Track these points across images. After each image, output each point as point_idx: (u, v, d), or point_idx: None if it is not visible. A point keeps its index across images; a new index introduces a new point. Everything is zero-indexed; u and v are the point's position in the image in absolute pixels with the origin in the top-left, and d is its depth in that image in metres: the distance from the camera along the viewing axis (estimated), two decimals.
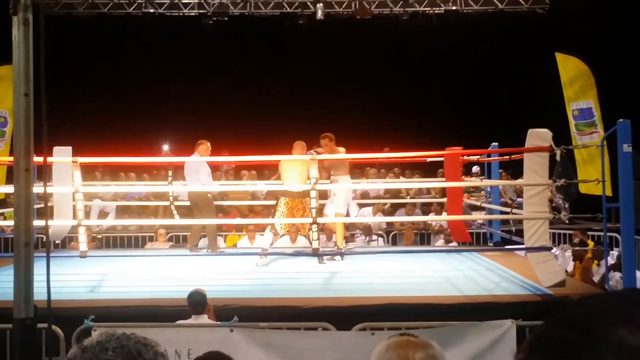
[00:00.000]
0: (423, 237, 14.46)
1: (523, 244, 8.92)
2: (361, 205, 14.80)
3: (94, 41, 18.11)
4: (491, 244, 12.51)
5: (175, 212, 11.90)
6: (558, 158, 8.41)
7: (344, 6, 17.76)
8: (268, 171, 16.04)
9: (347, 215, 10.80)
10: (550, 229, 8.92)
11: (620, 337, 0.89)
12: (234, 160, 13.61)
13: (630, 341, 0.88)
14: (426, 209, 14.99)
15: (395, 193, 15.59)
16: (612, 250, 10.67)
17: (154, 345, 1.58)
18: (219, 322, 6.62)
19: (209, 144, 11.24)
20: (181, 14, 17.89)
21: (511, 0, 17.37)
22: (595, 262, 10.23)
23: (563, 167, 8.66)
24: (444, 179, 12.77)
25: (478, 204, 13.49)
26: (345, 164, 10.49)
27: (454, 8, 17.47)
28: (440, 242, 13.68)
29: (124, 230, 14.23)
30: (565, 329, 0.94)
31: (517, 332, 6.23)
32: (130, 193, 15.19)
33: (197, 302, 6.61)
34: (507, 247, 11.14)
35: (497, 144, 11.99)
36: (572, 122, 13.12)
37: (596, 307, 0.95)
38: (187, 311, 6.64)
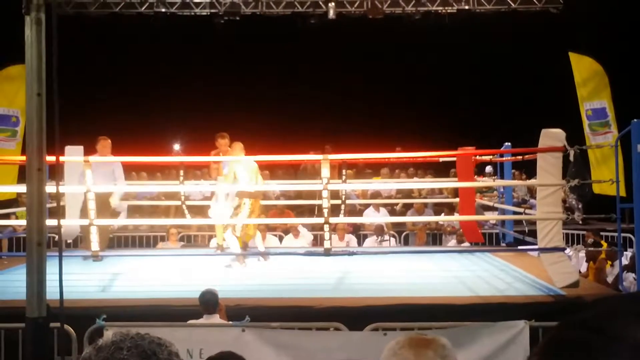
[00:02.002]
0: (435, 237, 14.42)
1: (536, 244, 8.88)
2: (368, 206, 14.78)
3: (105, 41, 18.17)
4: (504, 245, 12.47)
5: (186, 211, 11.90)
6: (572, 158, 8.38)
7: (356, 5, 17.71)
8: (282, 171, 16.07)
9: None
10: (563, 229, 8.89)
11: (634, 334, 0.88)
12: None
13: None
14: (438, 209, 14.94)
15: (408, 193, 15.56)
16: (626, 250, 10.61)
17: (168, 345, 1.58)
18: (230, 322, 6.61)
19: (108, 141, 10.69)
20: (193, 13, 17.88)
21: None
22: (609, 262, 10.18)
23: (576, 167, 8.63)
24: (456, 179, 12.73)
25: (491, 204, 13.44)
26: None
27: (466, 7, 17.39)
28: (452, 243, 13.63)
29: (136, 230, 14.24)
30: (579, 330, 0.93)
31: (531, 333, 6.20)
32: (141, 193, 15.20)
33: (208, 302, 6.61)
34: (520, 247, 11.09)
35: (509, 144, 11.94)
36: (585, 122, 13.07)
37: (610, 308, 0.95)
38: (199, 311, 6.64)
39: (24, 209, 9.07)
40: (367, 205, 14.97)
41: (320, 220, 9.23)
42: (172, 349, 1.59)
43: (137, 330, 1.61)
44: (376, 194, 15.56)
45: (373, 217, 13.99)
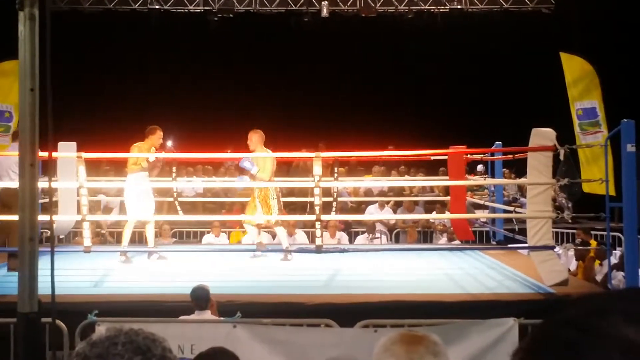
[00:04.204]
0: (426, 235, 14.47)
1: (526, 242, 8.93)
2: (367, 203, 14.81)
3: (99, 37, 18.14)
4: (494, 243, 12.51)
5: (179, 208, 11.92)
6: (562, 157, 8.42)
7: (349, 4, 17.76)
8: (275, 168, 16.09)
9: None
10: (553, 228, 8.93)
11: (622, 333, 0.87)
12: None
13: (632, 337, 0.87)
14: (429, 207, 14.99)
15: (399, 191, 15.61)
16: (615, 249, 10.67)
17: (162, 340, 1.59)
18: (222, 318, 6.64)
19: None
20: (186, 10, 17.90)
21: None
22: (598, 261, 10.24)
23: (566, 167, 8.66)
24: (446, 177, 12.77)
25: (481, 202, 13.49)
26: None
27: (459, 7, 17.44)
28: (443, 240, 13.68)
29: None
30: (564, 328, 0.93)
31: (520, 331, 6.24)
32: None
33: (200, 298, 6.63)
34: (510, 245, 11.15)
35: (500, 142, 11.99)
36: (576, 122, 13.10)
37: (596, 306, 0.94)
38: (190, 307, 6.66)
39: None
40: (359, 203, 15.01)
41: (312, 217, 9.26)
42: (166, 344, 1.60)
43: (129, 325, 1.62)
44: (380, 193, 15.58)
45: (376, 214, 14.04)
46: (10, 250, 9.38)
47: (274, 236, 13.26)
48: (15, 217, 8.96)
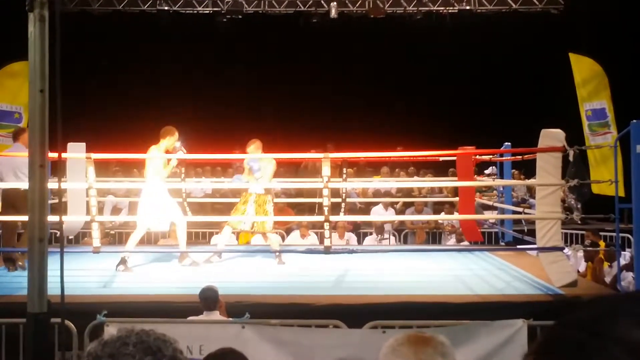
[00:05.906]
0: (435, 236, 14.45)
1: (535, 243, 8.90)
2: (374, 204, 14.80)
3: (108, 38, 18.17)
4: (503, 244, 12.49)
5: (187, 208, 11.93)
6: (571, 158, 8.39)
7: (357, 5, 17.77)
8: (283, 169, 16.10)
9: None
10: (562, 229, 8.91)
11: (631, 335, 0.87)
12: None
13: None
14: (438, 208, 14.97)
15: (407, 192, 15.59)
16: (625, 250, 10.64)
17: (172, 341, 1.60)
18: (230, 319, 6.65)
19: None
20: (195, 11, 17.93)
21: (525, 0, 17.33)
22: (606, 263, 10.21)
23: (576, 168, 8.64)
24: (455, 178, 12.75)
25: (490, 203, 13.46)
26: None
27: (467, 8, 17.43)
28: (451, 242, 13.66)
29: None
30: (575, 330, 0.93)
31: (529, 332, 6.22)
32: None
33: (208, 299, 6.65)
34: (519, 246, 11.11)
35: (509, 143, 11.97)
36: (585, 123, 13.10)
37: (606, 308, 0.94)
38: (199, 307, 6.68)
39: None
40: (368, 204, 14.99)
41: (321, 218, 9.25)
42: (177, 345, 1.61)
43: (140, 326, 1.63)
44: (386, 193, 15.58)
45: (381, 214, 14.03)
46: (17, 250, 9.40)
47: (282, 237, 13.27)
48: (21, 218, 9.12)
